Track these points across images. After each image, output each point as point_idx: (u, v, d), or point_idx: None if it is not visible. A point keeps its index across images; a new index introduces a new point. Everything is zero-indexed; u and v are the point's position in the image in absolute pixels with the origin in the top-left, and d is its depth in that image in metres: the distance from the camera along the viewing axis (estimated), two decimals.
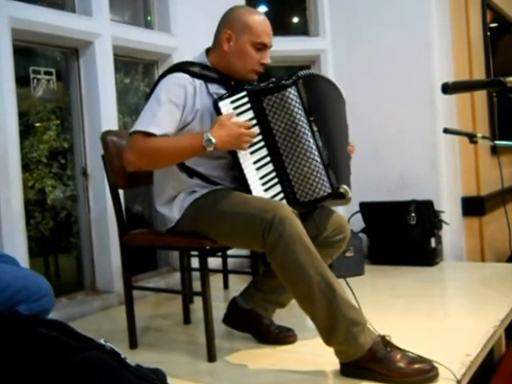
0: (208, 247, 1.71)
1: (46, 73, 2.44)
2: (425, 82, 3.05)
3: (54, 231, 2.46)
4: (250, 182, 1.61)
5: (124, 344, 1.85)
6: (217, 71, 1.72)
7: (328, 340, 1.51)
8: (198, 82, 1.68)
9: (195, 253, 1.84)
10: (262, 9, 3.55)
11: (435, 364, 1.46)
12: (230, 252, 2.39)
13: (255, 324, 1.82)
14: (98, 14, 2.48)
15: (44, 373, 0.97)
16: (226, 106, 1.62)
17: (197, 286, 1.84)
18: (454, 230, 3.11)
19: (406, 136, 3.12)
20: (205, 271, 1.70)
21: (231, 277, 2.67)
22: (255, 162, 1.63)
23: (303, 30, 3.48)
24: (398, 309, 2.13)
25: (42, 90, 2.42)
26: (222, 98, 1.62)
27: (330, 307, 1.47)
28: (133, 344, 1.87)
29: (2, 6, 2.07)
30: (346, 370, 1.50)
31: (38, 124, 2.45)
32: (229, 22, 1.72)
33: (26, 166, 2.31)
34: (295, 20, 3.67)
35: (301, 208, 1.64)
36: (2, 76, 2.05)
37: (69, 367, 0.98)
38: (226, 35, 1.70)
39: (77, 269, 2.58)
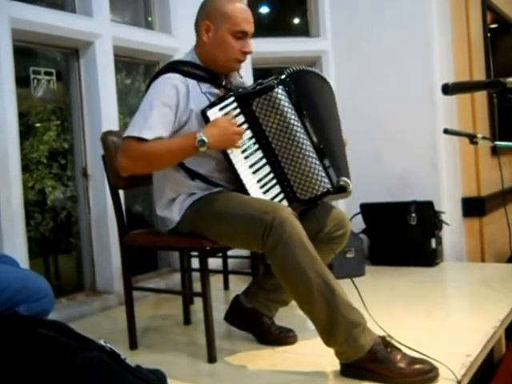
0: (208, 248, 1.71)
1: (47, 73, 2.44)
2: (425, 82, 3.05)
3: (54, 232, 2.46)
4: (247, 186, 1.61)
5: (124, 345, 1.85)
6: (206, 69, 1.71)
7: (328, 341, 1.51)
8: (191, 82, 1.67)
9: (195, 253, 1.84)
10: (263, 10, 3.56)
11: (435, 364, 1.46)
12: (230, 253, 2.39)
13: (256, 324, 1.82)
14: (99, 14, 2.48)
15: (44, 373, 0.97)
16: (214, 114, 1.61)
17: (197, 286, 1.84)
18: (454, 231, 3.11)
19: (406, 136, 3.12)
20: (205, 272, 1.70)
21: (231, 277, 2.67)
22: (251, 166, 1.63)
23: (304, 31, 3.48)
24: (398, 309, 2.13)
25: (42, 91, 2.42)
26: (210, 106, 1.62)
27: (329, 308, 1.47)
28: (133, 345, 1.87)
29: (2, 6, 2.07)
30: (347, 370, 1.50)
31: (38, 124, 2.45)
32: (206, 13, 1.69)
33: (26, 167, 2.31)
34: (296, 21, 3.67)
35: (302, 206, 1.64)
36: (2, 76, 2.05)
37: (69, 368, 0.97)
38: (205, 26, 1.68)
39: (77, 269, 2.58)
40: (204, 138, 1.54)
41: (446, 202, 3.08)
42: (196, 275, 2.09)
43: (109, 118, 2.49)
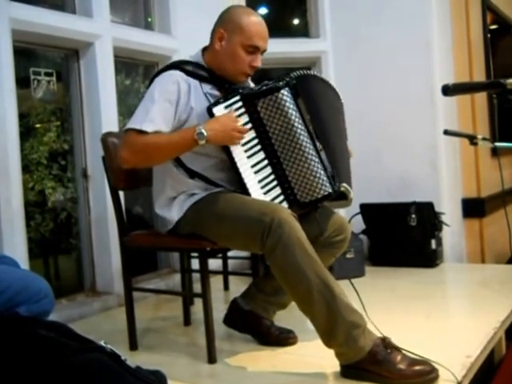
0: (208, 249, 1.71)
1: (47, 74, 2.44)
2: (425, 83, 3.05)
3: (54, 232, 2.46)
4: (248, 185, 1.61)
5: (124, 345, 1.85)
6: (210, 71, 1.71)
7: (328, 342, 1.51)
8: (193, 81, 1.68)
9: (195, 254, 1.84)
10: (263, 10, 3.56)
11: (436, 365, 1.46)
12: (230, 253, 2.39)
13: (256, 325, 1.82)
14: (99, 15, 2.48)
15: (44, 374, 0.97)
16: (220, 111, 1.62)
17: (197, 287, 1.84)
18: (454, 232, 3.11)
19: (406, 137, 3.12)
20: (205, 273, 1.70)
21: (231, 278, 2.66)
22: (253, 166, 1.63)
23: (304, 31, 3.48)
24: (398, 310, 2.12)
25: (42, 92, 2.42)
26: (215, 103, 1.62)
27: (329, 310, 1.47)
28: (133, 345, 1.86)
29: (2, 6, 2.07)
30: (347, 371, 1.50)
31: (38, 125, 2.45)
32: (223, 21, 1.70)
33: (26, 168, 2.31)
34: (296, 22, 3.67)
35: (302, 209, 1.64)
36: (2, 77, 2.05)
37: (69, 369, 0.97)
38: (219, 34, 1.69)
39: (77, 270, 2.58)
40: (203, 131, 1.54)
41: (446, 202, 3.09)
42: (196, 276, 2.09)
43: (109, 118, 2.49)
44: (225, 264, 2.56)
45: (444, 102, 2.99)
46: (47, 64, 2.48)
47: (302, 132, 1.62)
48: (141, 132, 1.58)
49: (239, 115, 1.63)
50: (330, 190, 1.62)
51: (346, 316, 1.46)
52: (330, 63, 3.36)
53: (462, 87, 1.66)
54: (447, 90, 1.56)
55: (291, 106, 1.62)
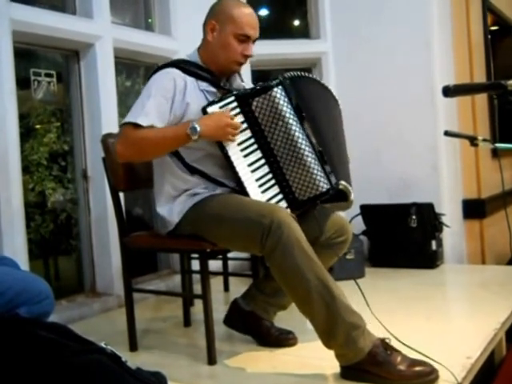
0: (208, 250, 1.71)
1: (47, 75, 2.44)
2: (425, 84, 3.05)
3: (54, 233, 2.46)
4: (245, 184, 1.61)
5: (124, 347, 1.85)
6: (207, 69, 1.74)
7: (327, 343, 1.51)
8: (190, 78, 1.70)
9: (196, 255, 1.84)
10: (263, 12, 3.56)
11: (436, 366, 1.45)
12: (230, 254, 2.39)
13: (256, 326, 1.81)
14: (99, 16, 2.48)
15: (45, 376, 0.97)
16: (215, 111, 1.63)
17: (197, 288, 1.84)
18: (454, 233, 3.11)
19: (406, 138, 3.13)
20: (205, 274, 1.70)
21: (232, 279, 2.66)
22: (250, 165, 1.64)
23: (304, 32, 3.48)
24: (398, 311, 2.12)
25: (42, 92, 2.42)
26: (210, 104, 1.64)
27: (328, 311, 1.47)
28: (133, 347, 1.86)
29: (2, 7, 2.08)
30: (347, 373, 1.50)
31: (38, 126, 2.45)
32: (214, 13, 1.74)
33: (26, 169, 2.31)
34: (296, 23, 3.67)
35: (301, 207, 1.64)
36: (2, 78, 2.05)
37: (69, 370, 0.97)
38: (211, 25, 1.72)
39: (77, 271, 2.58)
40: (196, 125, 1.56)
41: (447, 203, 3.08)
42: (196, 277, 2.09)
43: (109, 119, 2.49)
44: (225, 265, 2.56)
45: (444, 102, 2.99)
46: (47, 65, 2.48)
47: (298, 129, 1.64)
48: (136, 126, 1.60)
49: (234, 115, 1.64)
50: (329, 187, 1.63)
51: (346, 317, 1.46)
52: (330, 64, 3.36)
53: (462, 88, 1.65)
54: (448, 91, 1.56)
55: (285, 104, 1.64)
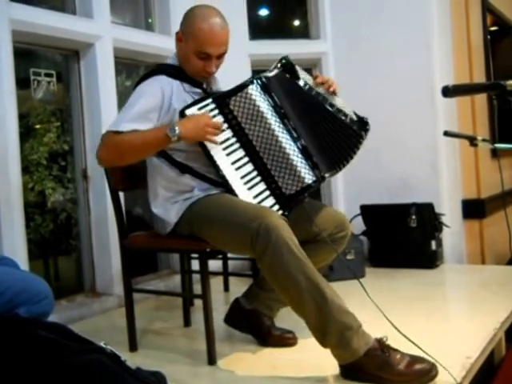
0: (208, 250, 1.71)
1: (47, 75, 2.44)
2: (425, 84, 3.05)
3: (54, 233, 2.46)
4: (231, 182, 1.62)
5: (124, 346, 1.85)
6: (184, 71, 1.74)
7: (322, 342, 1.51)
8: (175, 82, 1.71)
9: (196, 255, 1.84)
10: (263, 12, 3.56)
11: (434, 362, 1.45)
12: (230, 254, 2.38)
13: (257, 325, 1.82)
14: (99, 16, 2.48)
15: (44, 375, 0.97)
16: (193, 113, 1.64)
17: (197, 288, 1.84)
18: (454, 233, 3.11)
19: (406, 138, 3.13)
20: (205, 274, 1.70)
21: (232, 279, 2.66)
22: (233, 163, 1.66)
23: (304, 32, 3.48)
24: (398, 311, 2.11)
25: (42, 92, 2.42)
26: (188, 106, 1.65)
27: (320, 312, 1.47)
28: (133, 347, 1.86)
29: (2, 7, 2.08)
30: (346, 372, 1.50)
31: (38, 126, 2.45)
32: (183, 23, 1.73)
33: (26, 169, 2.31)
34: (296, 23, 3.67)
35: (290, 202, 1.64)
36: (2, 78, 2.05)
37: (69, 370, 0.97)
38: (178, 36, 1.73)
39: (77, 271, 2.58)
40: (176, 127, 1.56)
41: (446, 203, 3.08)
42: (196, 277, 2.09)
43: (109, 119, 2.48)
44: (225, 265, 2.56)
45: (444, 103, 2.99)
46: (47, 65, 2.48)
47: (278, 125, 1.66)
48: (117, 133, 1.60)
49: (213, 116, 1.65)
50: (314, 178, 1.64)
51: (338, 317, 1.46)
52: (330, 64, 3.36)
53: (462, 88, 1.65)
54: (447, 92, 1.56)
55: (262, 100, 1.67)
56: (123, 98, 2.76)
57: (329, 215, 1.77)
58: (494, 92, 1.47)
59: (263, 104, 1.67)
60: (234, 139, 1.67)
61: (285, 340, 1.80)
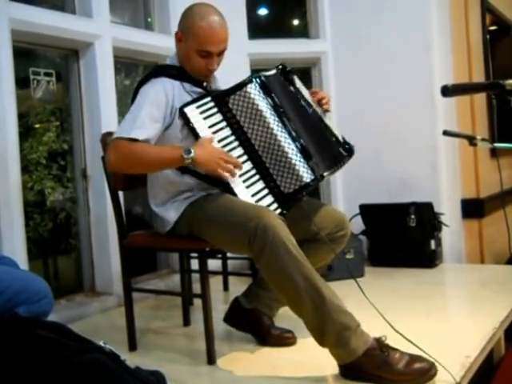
0: (208, 249, 1.71)
1: (46, 74, 2.44)
2: (425, 84, 3.05)
3: (54, 233, 2.46)
4: (229, 180, 1.62)
5: (123, 346, 1.85)
6: (185, 71, 1.74)
7: (321, 342, 1.51)
8: (176, 83, 1.71)
9: (195, 255, 1.84)
10: (263, 11, 3.56)
11: (433, 361, 1.45)
12: (229, 254, 2.39)
13: (256, 324, 1.82)
14: (98, 15, 2.48)
15: (44, 375, 0.97)
16: (192, 111, 1.65)
17: (197, 288, 1.84)
18: (453, 232, 3.11)
19: (406, 138, 3.13)
20: (205, 273, 1.70)
21: (231, 279, 2.66)
22: None
23: (304, 32, 3.48)
24: (397, 311, 2.12)
25: (41, 92, 2.42)
26: (187, 104, 1.65)
27: (318, 312, 1.47)
28: (132, 346, 1.86)
29: (2, 7, 2.07)
30: (346, 372, 1.50)
31: (37, 125, 2.45)
32: (182, 22, 1.72)
33: (25, 168, 2.31)
34: (296, 22, 3.67)
35: (289, 200, 1.64)
36: (1, 77, 2.05)
37: (69, 369, 0.97)
38: (178, 35, 1.72)
39: (76, 270, 2.58)
40: (191, 149, 1.56)
41: (446, 203, 3.09)
42: (196, 276, 2.09)
43: (108, 119, 2.49)
44: (224, 264, 2.56)
45: (443, 102, 3.00)
46: (47, 64, 2.48)
47: (276, 123, 1.66)
48: (130, 140, 1.59)
49: (212, 114, 1.66)
50: (313, 177, 1.64)
51: (336, 317, 1.46)
52: (329, 64, 3.36)
53: (461, 88, 1.66)
54: (446, 91, 1.56)
55: (261, 99, 1.68)
56: (122, 97, 2.77)
57: (328, 214, 1.77)
58: (494, 91, 1.47)
59: (262, 103, 1.68)
60: (232, 137, 1.67)
61: (284, 339, 1.80)
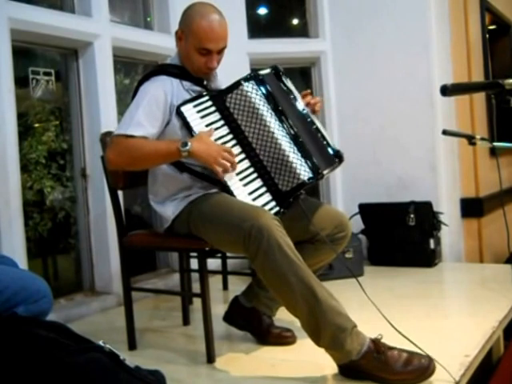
0: (207, 248, 1.71)
1: (45, 73, 2.44)
2: (424, 83, 3.05)
3: (53, 232, 2.46)
4: (225, 178, 1.62)
5: (123, 345, 1.85)
6: (186, 71, 1.75)
7: (317, 343, 1.51)
8: (175, 81, 1.72)
9: (194, 254, 1.84)
10: (262, 10, 3.56)
11: (431, 356, 1.45)
12: (229, 253, 2.39)
13: (256, 323, 1.82)
14: (98, 14, 2.48)
15: (43, 375, 0.97)
16: (189, 110, 1.66)
17: (196, 287, 1.84)
18: (452, 232, 3.12)
19: (405, 138, 3.13)
20: (204, 272, 1.70)
21: (230, 278, 2.66)
22: None
23: (303, 31, 3.48)
24: (396, 310, 2.12)
25: (41, 91, 2.42)
26: (184, 103, 1.66)
27: (313, 313, 1.47)
28: (132, 345, 1.86)
29: (1, 6, 2.07)
30: (345, 371, 1.50)
31: (36, 125, 2.45)
32: (182, 21, 1.74)
33: (24, 167, 2.31)
34: (295, 22, 3.67)
35: (287, 198, 1.64)
36: (0, 77, 2.05)
37: (68, 369, 0.97)
38: (179, 34, 1.74)
39: (75, 270, 2.58)
40: (188, 142, 1.57)
41: (445, 202, 3.09)
42: (195, 276, 2.09)
43: (108, 118, 2.49)
44: (224, 264, 2.56)
45: (443, 102, 3.00)
46: (46, 63, 2.48)
47: (274, 121, 1.67)
48: (127, 136, 1.60)
49: (210, 113, 1.68)
50: (311, 175, 1.64)
51: (331, 319, 1.46)
52: (329, 63, 3.35)
53: (460, 87, 1.66)
54: (446, 90, 1.56)
55: (258, 97, 1.68)
56: (122, 96, 2.77)
57: (328, 214, 1.77)
58: (493, 91, 1.48)
59: (259, 101, 1.68)
60: (230, 136, 1.68)
61: (284, 339, 1.80)
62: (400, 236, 2.94)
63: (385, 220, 3.01)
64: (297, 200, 1.67)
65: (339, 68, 3.33)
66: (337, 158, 1.76)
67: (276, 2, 3.64)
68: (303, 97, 1.81)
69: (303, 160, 1.65)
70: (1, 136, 2.05)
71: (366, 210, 3.05)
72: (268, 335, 1.80)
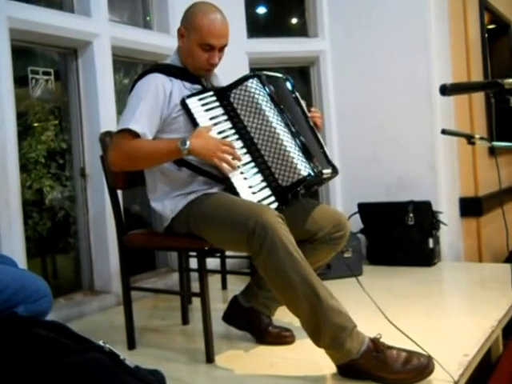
0: (206, 248, 1.71)
1: (45, 73, 2.43)
2: (423, 83, 3.05)
3: (52, 232, 2.46)
4: (226, 171, 1.63)
5: (122, 345, 1.85)
6: (186, 70, 1.77)
7: (316, 342, 1.52)
8: (175, 80, 1.74)
9: (194, 253, 1.84)
10: (261, 10, 3.56)
11: (430, 355, 1.46)
12: (228, 253, 2.39)
13: (255, 323, 1.82)
14: (97, 14, 2.47)
15: (43, 375, 0.97)
16: (193, 102, 1.70)
17: (195, 286, 1.85)
18: (451, 231, 3.12)
19: (404, 137, 3.13)
20: (203, 272, 1.70)
21: (230, 277, 2.67)
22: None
23: (302, 31, 3.48)
24: (395, 309, 2.12)
25: (40, 91, 2.42)
26: (189, 96, 1.70)
27: (314, 312, 1.47)
28: (131, 345, 1.87)
29: (0, 5, 2.07)
30: (344, 371, 1.50)
31: (36, 124, 2.45)
32: (185, 19, 1.78)
33: (24, 167, 2.31)
34: (294, 21, 3.67)
35: (286, 194, 1.65)
36: (0, 76, 2.05)
37: (67, 369, 0.98)
38: (181, 31, 1.77)
39: (75, 269, 2.58)
40: (187, 141, 1.59)
41: (444, 202, 3.09)
42: (194, 275, 2.09)
43: (107, 118, 2.49)
44: (223, 263, 2.56)
45: (442, 101, 3.00)
46: (45, 63, 2.47)
47: (276, 118, 1.69)
48: (129, 134, 1.62)
49: (214, 107, 1.70)
50: (310, 171, 1.65)
51: (332, 318, 1.46)
52: (328, 63, 3.36)
53: (459, 87, 1.66)
54: (445, 90, 1.56)
55: (261, 94, 1.71)
56: (121, 96, 2.76)
57: (327, 214, 1.78)
58: (492, 90, 1.48)
59: (263, 98, 1.71)
60: (232, 131, 1.70)
61: (283, 338, 1.80)
62: (399, 235, 2.95)
63: (384, 219, 3.01)
64: (296, 196, 1.67)
65: (338, 68, 3.33)
66: (333, 168, 1.80)
67: (275, 1, 3.64)
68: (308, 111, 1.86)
69: (303, 157, 1.67)
70: (0, 135, 2.05)
71: (365, 209, 3.06)
72: (267, 335, 1.81)
